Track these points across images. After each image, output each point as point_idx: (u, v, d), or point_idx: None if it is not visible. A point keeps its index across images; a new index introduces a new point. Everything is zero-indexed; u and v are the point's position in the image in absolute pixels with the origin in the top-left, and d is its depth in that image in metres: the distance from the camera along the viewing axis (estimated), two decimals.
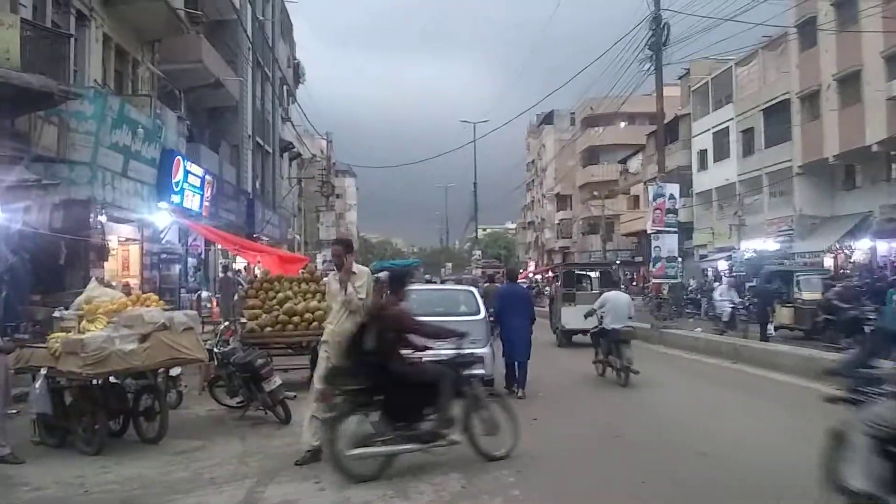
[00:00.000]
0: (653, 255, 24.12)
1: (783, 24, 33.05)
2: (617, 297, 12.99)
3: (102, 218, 15.02)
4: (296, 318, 11.52)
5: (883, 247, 28.01)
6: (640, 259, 47.40)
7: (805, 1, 31.03)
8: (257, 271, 17.53)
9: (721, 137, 40.94)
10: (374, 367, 6.64)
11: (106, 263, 15.63)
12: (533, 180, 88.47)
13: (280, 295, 11.91)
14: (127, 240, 18.13)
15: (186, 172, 19.23)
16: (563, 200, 74.48)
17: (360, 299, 7.21)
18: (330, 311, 7.49)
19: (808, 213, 33.13)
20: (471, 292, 12.52)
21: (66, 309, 8.65)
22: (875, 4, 26.63)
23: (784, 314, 20.07)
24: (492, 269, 46.99)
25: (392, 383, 6.68)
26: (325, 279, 9.05)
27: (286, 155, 39.79)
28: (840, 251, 30.61)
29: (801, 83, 32.74)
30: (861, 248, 29.66)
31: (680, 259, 25.26)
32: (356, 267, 7.54)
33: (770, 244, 34.62)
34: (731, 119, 39.58)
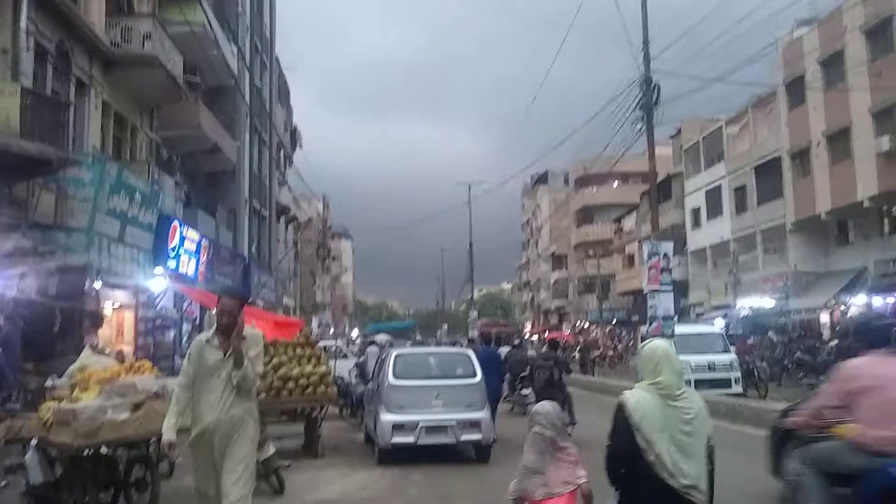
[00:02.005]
0: (649, 314, 24.05)
1: (772, 82, 33.67)
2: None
3: (98, 284, 15.00)
4: (290, 384, 11.40)
5: (878, 302, 28.02)
6: (636, 318, 47.29)
7: (793, 60, 31.66)
8: None
9: (714, 195, 41.28)
10: None
11: (100, 330, 15.51)
12: (528, 240, 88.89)
13: (275, 360, 11.80)
14: (122, 306, 18.07)
15: (183, 238, 19.30)
16: (558, 260, 74.67)
17: (257, 374, 5.60)
18: (185, 387, 5.48)
19: (802, 270, 33.20)
20: (467, 355, 12.45)
21: (60, 377, 8.56)
22: (861, 63, 27.18)
23: None
24: (497, 329, 45.62)
25: None
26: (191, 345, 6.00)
27: (283, 218, 40.03)
28: (836, 307, 30.59)
29: (792, 141, 33.17)
30: (857, 304, 29.65)
31: (676, 318, 25.17)
32: (248, 330, 5.61)
33: (766, 301, 34.62)
34: (724, 177, 39.96)
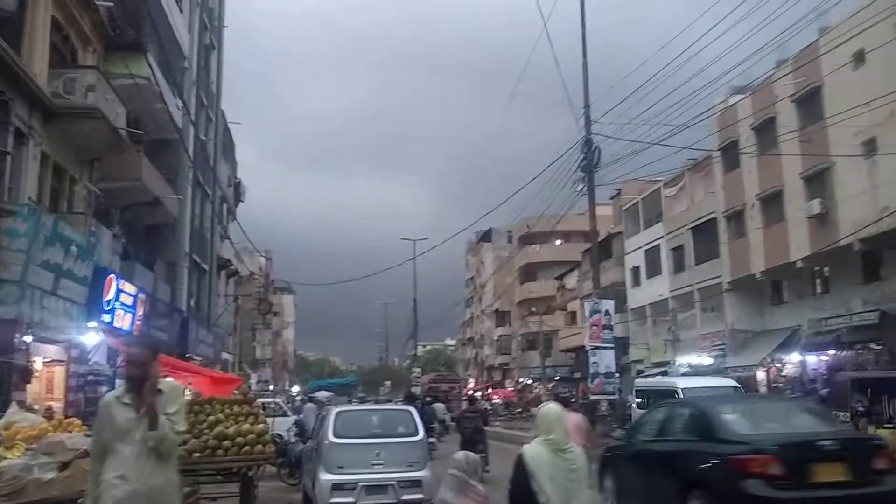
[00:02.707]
0: (591, 370, 24.27)
1: (708, 147, 34.84)
2: None
3: (28, 338, 14.49)
4: (227, 443, 11.06)
5: (812, 360, 28.75)
6: (578, 375, 47.58)
7: (727, 126, 32.89)
8: (188, 393, 16.99)
9: (653, 255, 42.20)
10: None
11: (29, 386, 14.97)
12: (472, 297, 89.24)
13: (211, 418, 11.47)
14: (53, 361, 17.44)
15: (119, 291, 18.83)
16: (501, 316, 75.03)
17: (179, 433, 4.86)
18: (97, 458, 4.74)
19: (739, 328, 33.95)
20: (409, 412, 12.34)
21: None
22: (792, 129, 28.36)
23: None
24: (447, 385, 45.93)
25: None
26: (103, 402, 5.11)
27: (223, 273, 39.46)
28: (772, 365, 31.30)
29: (727, 203, 34.22)
30: (792, 362, 30.38)
31: (618, 374, 25.45)
32: (166, 383, 5.03)
33: (704, 359, 35.23)
34: (662, 237, 40.92)
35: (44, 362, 16.74)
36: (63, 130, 17.87)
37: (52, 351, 17.20)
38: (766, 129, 30.96)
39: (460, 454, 5.78)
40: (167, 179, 25.07)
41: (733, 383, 20.48)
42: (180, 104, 25.41)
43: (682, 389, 19.10)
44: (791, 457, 7.92)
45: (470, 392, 44.56)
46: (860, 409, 19.03)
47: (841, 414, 18.03)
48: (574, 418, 11.90)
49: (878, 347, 24.85)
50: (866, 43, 23.84)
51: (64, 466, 7.40)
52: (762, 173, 31.28)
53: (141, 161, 22.15)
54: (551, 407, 5.33)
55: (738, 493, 7.85)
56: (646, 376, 36.88)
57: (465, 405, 18.63)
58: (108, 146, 19.48)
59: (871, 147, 24.82)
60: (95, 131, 18.31)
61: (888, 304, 25.32)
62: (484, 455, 14.03)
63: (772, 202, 30.90)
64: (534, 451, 5.02)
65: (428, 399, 31.64)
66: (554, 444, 4.98)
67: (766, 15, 21.54)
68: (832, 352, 27.32)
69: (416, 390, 39.64)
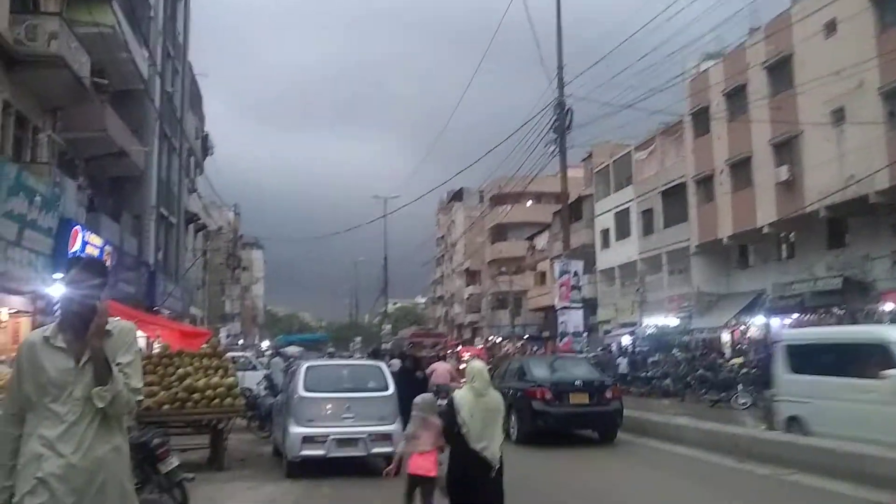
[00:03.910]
0: (559, 329, 24.51)
1: (679, 112, 34.95)
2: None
3: None
4: (196, 395, 11.12)
5: (776, 322, 29.32)
6: (546, 334, 48.09)
7: (699, 91, 32.97)
8: (156, 346, 16.91)
9: (622, 217, 42.49)
10: None
11: None
12: (443, 255, 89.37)
13: (180, 371, 11.48)
14: (18, 312, 17.24)
15: (84, 243, 18.56)
16: (472, 276, 75.33)
17: (134, 391, 3.46)
18: (9, 420, 3.42)
19: (705, 291, 34.44)
20: (378, 367, 12.40)
21: None
22: (762, 96, 28.52)
23: None
24: (431, 340, 39.17)
25: None
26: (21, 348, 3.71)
27: (191, 227, 39.03)
28: (736, 327, 31.87)
29: (696, 167, 34.45)
30: (756, 324, 30.95)
31: (586, 334, 25.75)
32: (115, 323, 3.55)
33: (671, 320, 35.75)
34: (632, 200, 41.18)
35: (9, 313, 16.54)
36: (25, 79, 17.44)
37: (18, 302, 16.98)
38: (737, 96, 31.10)
39: (418, 398, 7.31)
40: (133, 131, 24.61)
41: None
42: (146, 54, 24.85)
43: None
44: (557, 389, 14.20)
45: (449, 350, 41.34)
46: None
47: None
48: (445, 366, 16.65)
49: (841, 312, 25.37)
50: (838, 13, 23.96)
51: None
52: (732, 139, 31.48)
53: (105, 111, 21.71)
54: (476, 363, 6.96)
55: (529, 408, 14.07)
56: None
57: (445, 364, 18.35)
58: (72, 96, 19.05)
59: (839, 116, 25.07)
60: (59, 80, 17.88)
61: (851, 271, 25.82)
62: None
63: (740, 168, 31.16)
64: (460, 394, 6.62)
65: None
66: (476, 390, 6.49)
67: None
68: (796, 315, 27.84)
69: (388, 346, 39.51)
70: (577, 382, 14.46)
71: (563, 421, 14.25)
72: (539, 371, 15.27)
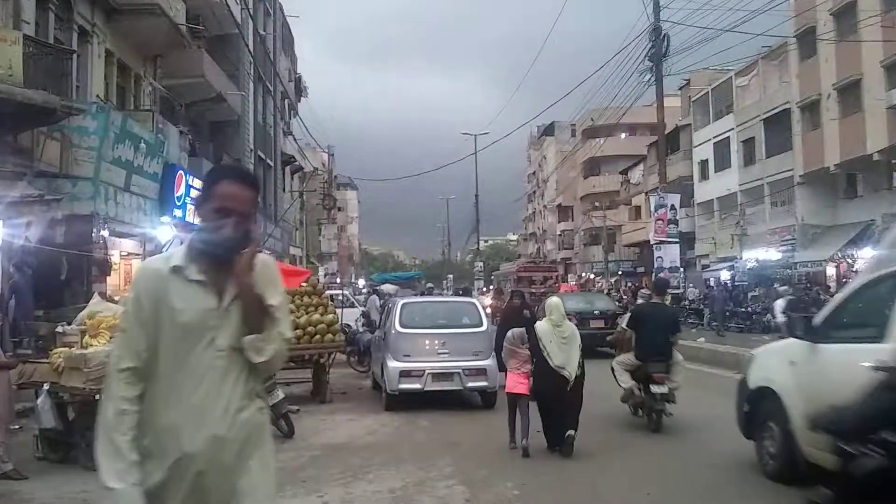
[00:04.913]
0: (655, 265, 24.14)
1: (783, 34, 33.17)
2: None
3: (105, 233, 15.05)
4: (298, 332, 11.50)
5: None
6: (641, 269, 47.38)
7: (804, 11, 31.16)
8: None
9: (722, 147, 41.01)
10: None
11: (108, 278, 15.65)
12: (534, 191, 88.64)
13: None
14: (129, 254, 18.16)
15: (189, 187, 19.28)
16: (564, 211, 74.55)
17: (287, 342, 2.63)
18: (130, 379, 2.48)
19: (810, 223, 33.10)
20: (473, 304, 12.54)
21: (69, 324, 8.65)
22: (874, 14, 26.72)
23: None
24: (541, 273, 34.82)
25: None
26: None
27: (288, 168, 39.92)
28: (842, 260, 30.57)
29: (801, 93, 32.80)
30: (864, 258, 29.61)
31: (682, 269, 25.27)
32: (263, 257, 2.69)
33: (772, 254, 34.60)
34: (732, 129, 39.63)
35: (121, 256, 17.41)
36: (125, 27, 17.99)
37: (128, 245, 17.88)
38: (845, 15, 29.22)
39: (509, 332, 8.58)
40: (229, 75, 25.18)
41: None
42: None
43: None
44: (580, 317, 16.69)
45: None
46: None
47: None
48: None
49: None
50: None
51: None
52: (840, 61, 29.72)
53: (202, 57, 22.24)
54: (553, 299, 9.06)
55: None
56: None
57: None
58: (170, 42, 19.58)
59: None
60: (156, 27, 18.38)
61: None
62: None
63: (849, 92, 29.49)
64: (541, 325, 8.29)
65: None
66: (553, 321, 8.14)
67: None
68: None
69: (479, 284, 39.61)
70: (595, 311, 19.01)
71: (584, 341, 15.10)
72: (568, 304, 14.74)
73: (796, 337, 6.38)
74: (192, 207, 19.13)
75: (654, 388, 8.94)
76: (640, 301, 15.98)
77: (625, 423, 9.55)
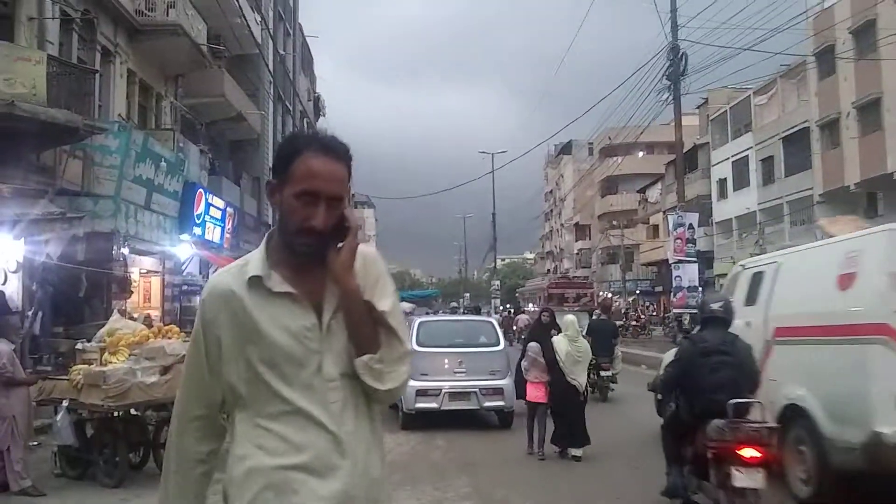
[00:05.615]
0: (674, 284, 23.99)
1: (801, 52, 33.04)
2: None
3: (125, 250, 15.18)
4: None
5: None
6: (660, 289, 47.09)
7: (823, 30, 31.04)
8: None
9: (740, 166, 40.80)
10: None
11: (127, 296, 15.75)
12: (551, 210, 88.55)
13: None
14: (149, 272, 18.29)
15: (208, 205, 19.44)
16: (581, 230, 74.40)
17: (406, 355, 1.95)
18: (201, 425, 1.99)
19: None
20: (490, 323, 12.52)
21: (89, 341, 8.71)
22: (894, 32, 26.58)
23: None
24: (574, 291, 32.02)
25: None
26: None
27: None
28: None
29: (821, 111, 32.62)
30: None
31: (701, 289, 25.09)
32: (363, 249, 1.97)
33: None
34: (751, 148, 39.45)
35: (140, 273, 17.53)
36: (147, 47, 18.21)
37: (148, 262, 18.00)
38: (864, 33, 29.06)
39: (530, 345, 9.50)
40: (249, 95, 25.40)
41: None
42: (259, 18, 25.47)
43: None
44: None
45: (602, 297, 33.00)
46: None
47: None
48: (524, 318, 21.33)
49: None
50: None
51: (165, 370, 7.80)
52: (860, 79, 29.56)
53: (223, 77, 22.47)
54: (569, 316, 9.74)
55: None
56: None
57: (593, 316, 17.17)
58: (191, 62, 19.80)
59: None
60: (178, 47, 18.60)
61: None
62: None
63: (869, 110, 29.29)
64: (558, 339, 9.17)
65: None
66: (569, 337, 9.14)
67: None
68: None
69: (496, 303, 39.41)
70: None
71: None
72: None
73: None
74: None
75: (602, 373, 13.72)
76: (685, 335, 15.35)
77: (643, 441, 9.47)
